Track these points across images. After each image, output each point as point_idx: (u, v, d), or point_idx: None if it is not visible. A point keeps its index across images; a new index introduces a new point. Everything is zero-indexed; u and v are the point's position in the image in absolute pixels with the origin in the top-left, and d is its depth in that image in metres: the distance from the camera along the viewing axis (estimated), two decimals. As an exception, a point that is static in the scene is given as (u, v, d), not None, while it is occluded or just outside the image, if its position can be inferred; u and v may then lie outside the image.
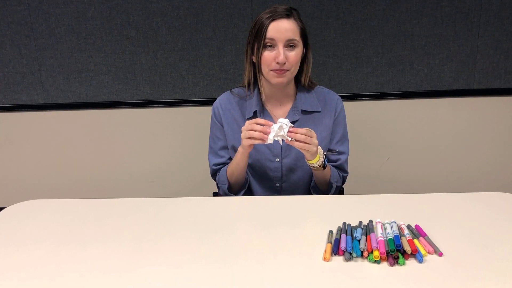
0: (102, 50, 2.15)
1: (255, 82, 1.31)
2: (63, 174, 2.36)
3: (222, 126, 1.34)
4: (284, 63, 1.19)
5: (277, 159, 1.31)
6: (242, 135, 1.16)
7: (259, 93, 1.31)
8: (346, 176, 1.38)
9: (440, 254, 0.87)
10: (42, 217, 1.12)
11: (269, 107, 1.32)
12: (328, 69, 2.13)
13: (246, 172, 1.33)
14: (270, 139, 1.13)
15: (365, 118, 2.20)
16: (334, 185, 1.30)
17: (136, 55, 2.15)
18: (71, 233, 1.03)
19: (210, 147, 1.39)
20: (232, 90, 1.37)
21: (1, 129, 2.31)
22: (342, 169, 1.36)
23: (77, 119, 2.27)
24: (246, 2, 2.06)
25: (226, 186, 1.32)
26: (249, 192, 1.39)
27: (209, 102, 2.18)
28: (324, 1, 2.04)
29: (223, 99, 1.36)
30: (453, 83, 2.14)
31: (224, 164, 1.35)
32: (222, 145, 1.35)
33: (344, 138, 1.35)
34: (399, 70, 2.13)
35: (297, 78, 1.33)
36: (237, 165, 1.27)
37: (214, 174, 1.39)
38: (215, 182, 1.46)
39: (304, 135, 1.12)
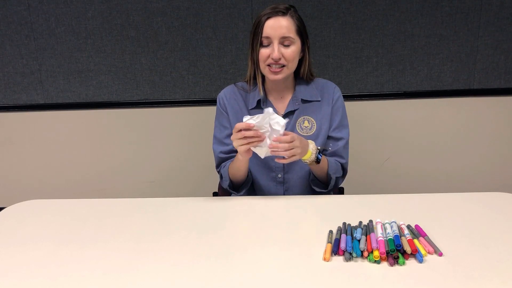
0: (102, 50, 2.15)
1: (255, 78, 1.32)
2: (63, 174, 2.36)
3: (228, 114, 1.36)
4: (279, 59, 1.22)
5: None
6: (235, 144, 1.16)
7: (262, 84, 1.34)
8: (345, 163, 1.36)
9: (440, 254, 0.87)
10: (42, 217, 1.12)
11: (271, 99, 1.35)
12: (328, 69, 2.13)
13: (249, 171, 1.33)
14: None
15: (365, 118, 2.20)
16: (334, 177, 1.30)
17: (136, 55, 2.15)
18: (71, 233, 1.03)
19: (215, 137, 1.39)
20: (236, 83, 1.39)
21: (1, 129, 2.31)
22: (339, 156, 1.35)
23: (77, 119, 2.27)
24: (246, 2, 2.06)
25: (228, 183, 1.33)
26: (252, 185, 1.39)
27: (209, 102, 2.18)
28: (324, 1, 2.04)
29: (228, 90, 1.39)
30: (453, 83, 2.14)
31: (230, 152, 1.35)
32: (228, 133, 1.36)
33: (342, 126, 1.35)
34: (399, 70, 2.13)
35: (297, 71, 1.35)
36: (238, 169, 1.28)
37: (219, 164, 1.39)
38: (215, 182, 1.45)
39: (287, 143, 1.12)
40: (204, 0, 2.06)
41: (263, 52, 1.23)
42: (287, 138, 1.12)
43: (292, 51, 1.23)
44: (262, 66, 1.26)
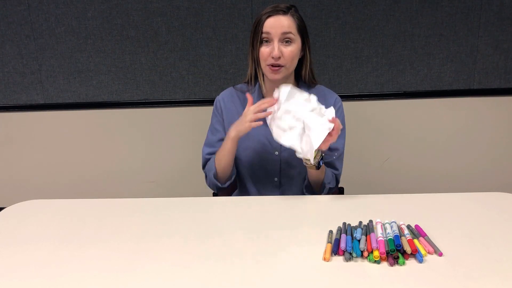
0: (102, 50, 2.15)
1: (256, 77, 1.32)
2: (63, 174, 2.36)
3: (223, 119, 1.36)
4: (279, 58, 1.21)
5: (276, 152, 1.32)
6: (250, 117, 1.18)
7: (261, 87, 1.33)
8: (338, 174, 1.36)
9: (440, 254, 0.87)
10: (42, 217, 1.12)
11: None
12: (328, 69, 2.13)
13: (234, 165, 1.33)
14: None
15: (365, 118, 2.20)
16: (327, 186, 1.30)
17: (136, 55, 2.15)
18: (71, 233, 1.03)
19: (207, 139, 1.40)
20: (235, 86, 1.39)
21: (1, 129, 2.31)
22: (333, 167, 1.35)
23: (77, 119, 2.27)
24: (246, 2, 2.06)
25: (213, 172, 1.31)
26: (248, 188, 1.39)
27: (209, 102, 2.18)
28: (324, 1, 2.04)
29: (226, 94, 1.39)
30: (453, 83, 2.14)
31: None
32: (220, 138, 1.36)
33: (339, 136, 1.34)
34: (399, 70, 2.13)
35: (298, 74, 1.33)
36: (227, 152, 1.27)
37: (205, 164, 1.39)
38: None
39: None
40: (204, 0, 2.06)
41: (264, 50, 1.23)
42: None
43: (292, 50, 1.22)
44: (263, 65, 1.25)
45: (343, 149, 1.36)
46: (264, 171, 1.35)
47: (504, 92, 2.15)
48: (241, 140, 1.28)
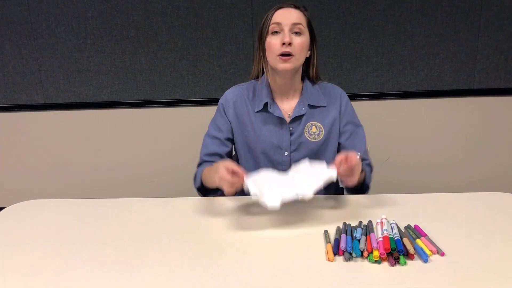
0: (102, 50, 2.15)
1: (264, 72, 1.30)
2: (63, 174, 2.36)
3: (228, 119, 1.33)
4: (290, 45, 1.18)
5: (286, 152, 1.30)
6: (222, 182, 1.06)
7: (269, 86, 1.31)
8: (369, 162, 1.36)
9: (442, 254, 0.87)
10: (42, 217, 1.12)
11: (276, 101, 1.32)
12: (328, 69, 2.13)
13: None
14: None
15: (365, 118, 2.19)
16: (370, 185, 1.30)
17: (136, 55, 2.15)
18: (71, 233, 1.03)
19: (210, 132, 1.37)
20: (241, 84, 1.37)
21: (1, 129, 2.31)
22: (364, 159, 1.35)
23: (77, 119, 2.27)
24: (246, 2, 2.06)
25: (198, 185, 1.32)
26: None
27: (209, 102, 2.18)
28: (324, 1, 2.04)
29: (234, 92, 1.35)
30: (453, 83, 2.14)
31: (214, 154, 1.33)
32: (224, 137, 1.34)
33: (355, 133, 1.36)
34: (399, 70, 2.13)
35: (304, 72, 1.34)
36: (212, 184, 1.19)
37: (201, 163, 1.36)
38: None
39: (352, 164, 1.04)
40: (204, 0, 2.06)
41: (273, 41, 1.19)
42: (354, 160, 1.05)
43: (302, 42, 1.20)
44: (271, 57, 1.21)
45: (364, 139, 1.37)
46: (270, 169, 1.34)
47: (504, 92, 2.15)
48: (249, 142, 1.29)
